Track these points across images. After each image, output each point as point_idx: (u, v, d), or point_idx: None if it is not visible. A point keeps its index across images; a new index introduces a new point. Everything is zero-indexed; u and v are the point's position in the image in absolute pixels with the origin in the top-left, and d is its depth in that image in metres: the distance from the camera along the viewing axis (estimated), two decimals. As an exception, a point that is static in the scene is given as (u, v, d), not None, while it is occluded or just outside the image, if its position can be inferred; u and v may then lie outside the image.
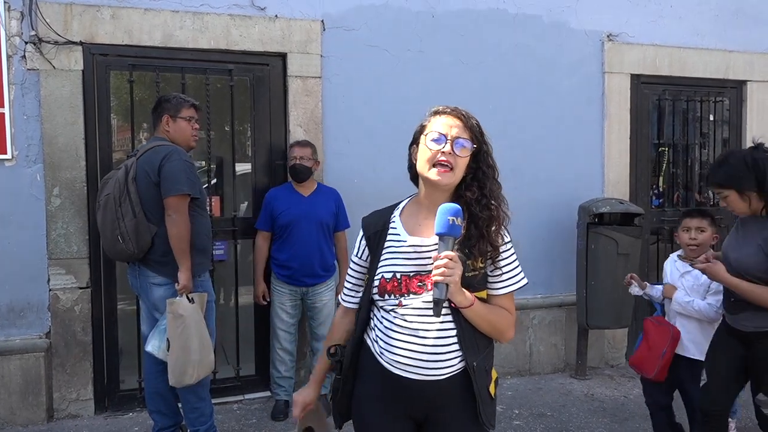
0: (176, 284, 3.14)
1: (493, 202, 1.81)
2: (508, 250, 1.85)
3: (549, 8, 4.73)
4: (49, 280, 3.77)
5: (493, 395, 1.85)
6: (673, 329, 3.19)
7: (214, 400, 3.97)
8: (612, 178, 4.94)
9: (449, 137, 1.77)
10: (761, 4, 5.29)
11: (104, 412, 3.92)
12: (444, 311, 1.73)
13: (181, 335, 3.08)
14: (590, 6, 4.83)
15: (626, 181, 5.01)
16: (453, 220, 1.66)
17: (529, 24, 4.69)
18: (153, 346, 3.19)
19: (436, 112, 1.85)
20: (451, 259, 1.64)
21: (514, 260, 1.86)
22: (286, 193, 3.90)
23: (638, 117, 5.06)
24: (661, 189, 5.32)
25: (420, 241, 1.79)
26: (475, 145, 1.81)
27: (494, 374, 1.88)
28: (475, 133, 1.82)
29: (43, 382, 3.75)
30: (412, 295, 1.76)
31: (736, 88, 5.34)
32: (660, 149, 5.26)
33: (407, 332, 1.75)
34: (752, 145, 2.68)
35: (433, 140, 1.77)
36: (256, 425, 3.86)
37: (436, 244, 1.70)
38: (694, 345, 3.19)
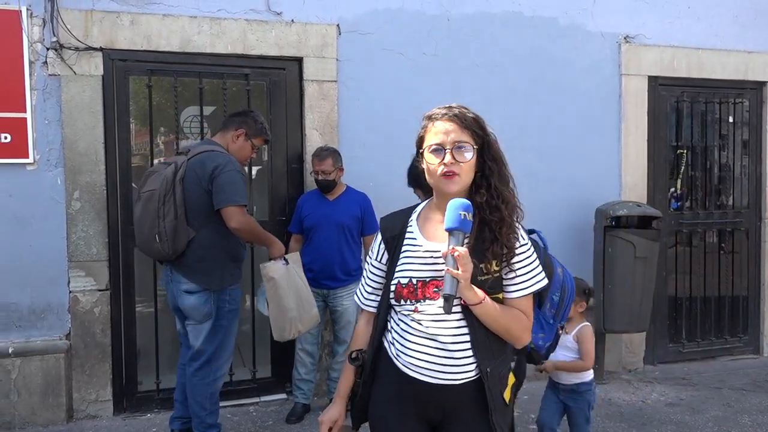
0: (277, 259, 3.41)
1: (501, 203, 1.77)
2: (525, 252, 1.80)
3: (565, 10, 4.71)
4: (69, 282, 3.83)
5: (508, 401, 1.82)
6: None
7: (230, 402, 4.03)
8: (629, 181, 4.90)
9: (447, 146, 1.74)
10: (781, 4, 5.22)
11: (122, 413, 3.97)
12: (458, 316, 1.73)
13: (275, 295, 3.36)
14: (607, 8, 4.80)
15: (644, 183, 4.96)
16: (464, 215, 1.66)
17: (545, 26, 4.67)
18: (260, 306, 3.54)
19: (431, 118, 1.81)
20: (462, 254, 1.64)
21: (531, 262, 1.81)
22: (314, 197, 3.95)
23: (656, 119, 5.02)
24: (679, 192, 5.27)
25: (436, 247, 1.76)
26: (476, 146, 1.77)
27: (511, 379, 1.85)
28: (475, 130, 1.77)
29: (63, 383, 3.81)
30: (428, 301, 1.75)
31: (756, 89, 5.27)
32: (678, 152, 5.20)
33: (423, 336, 1.75)
34: None
35: (432, 152, 1.75)
36: (272, 427, 3.88)
37: (435, 249, 1.71)
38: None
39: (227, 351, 3.38)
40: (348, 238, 3.88)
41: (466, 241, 1.72)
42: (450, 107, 1.80)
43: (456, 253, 1.64)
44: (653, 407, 4.27)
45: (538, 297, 2.12)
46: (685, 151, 5.22)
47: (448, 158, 1.73)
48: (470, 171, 1.77)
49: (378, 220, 3.94)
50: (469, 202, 1.70)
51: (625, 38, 4.86)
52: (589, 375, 3.29)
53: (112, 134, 3.92)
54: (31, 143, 3.75)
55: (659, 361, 5.09)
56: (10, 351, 3.69)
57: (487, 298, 1.72)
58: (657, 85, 4.99)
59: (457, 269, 1.64)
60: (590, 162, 4.80)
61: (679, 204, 5.27)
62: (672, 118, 5.18)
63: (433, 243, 1.79)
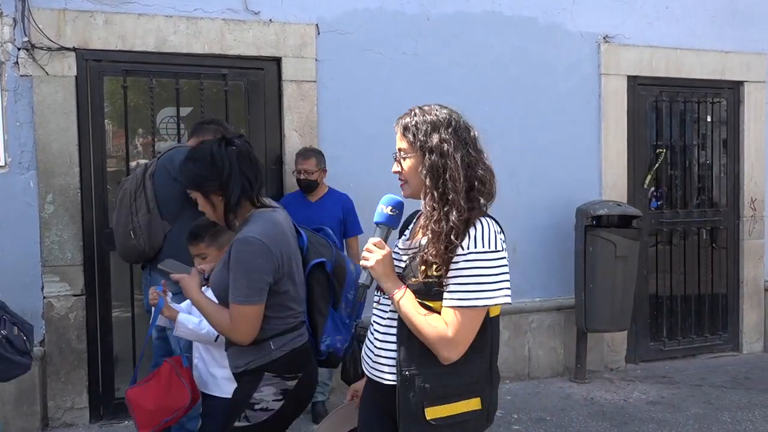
0: None
1: (443, 207, 1.66)
2: (472, 262, 1.63)
3: (545, 10, 4.72)
4: (43, 287, 3.75)
5: (428, 417, 1.64)
6: (194, 392, 2.44)
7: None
8: (609, 180, 4.93)
9: (395, 154, 1.80)
10: (757, 4, 5.29)
11: (99, 421, 3.90)
12: (388, 315, 1.76)
13: None
14: (586, 8, 4.82)
15: (624, 183, 4.99)
16: (386, 209, 1.77)
17: (525, 26, 4.68)
18: None
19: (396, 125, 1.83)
20: (374, 245, 1.73)
21: (475, 275, 1.63)
22: (296, 199, 3.92)
23: (635, 118, 5.05)
24: (655, 190, 5.30)
25: (400, 244, 1.84)
26: (414, 153, 1.72)
27: (456, 407, 1.67)
28: (413, 134, 1.72)
29: (38, 391, 3.73)
30: (380, 295, 1.81)
31: (733, 89, 5.33)
32: (657, 151, 5.24)
33: (371, 330, 1.84)
34: (221, 136, 2.20)
35: (394, 159, 1.82)
36: None
37: (412, 248, 1.75)
38: (213, 379, 2.47)
39: None
40: None
41: (413, 247, 1.74)
42: (408, 112, 1.78)
43: (369, 245, 1.73)
44: (635, 405, 4.29)
45: (333, 297, 2.19)
46: (664, 150, 5.26)
47: (395, 166, 1.80)
48: (415, 177, 1.73)
49: (359, 222, 3.93)
50: (399, 200, 1.78)
51: (604, 38, 4.88)
52: None
53: (87, 136, 3.85)
54: (2, 145, 3.67)
55: (641, 360, 5.13)
56: (-19, 358, 3.60)
57: (406, 295, 1.67)
58: (636, 84, 5.02)
59: (366, 259, 1.73)
60: (571, 161, 4.82)
61: (659, 203, 5.31)
62: (651, 117, 5.22)
63: (399, 241, 1.87)
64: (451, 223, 1.64)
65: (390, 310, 1.75)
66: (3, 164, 3.68)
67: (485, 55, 4.58)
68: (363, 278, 1.75)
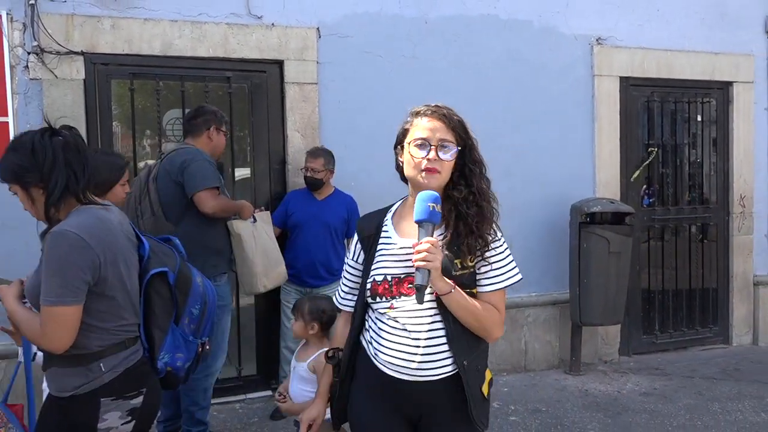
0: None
1: (481, 200, 1.80)
2: (500, 247, 1.82)
3: (539, 13, 4.84)
4: (54, 284, 3.84)
5: (486, 395, 1.82)
6: None
7: (216, 400, 4.06)
8: (603, 179, 5.05)
9: (433, 143, 1.75)
10: (745, 7, 5.41)
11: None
12: (433, 311, 1.75)
13: (241, 252, 3.48)
14: (579, 11, 4.94)
15: (617, 181, 5.11)
16: (432, 206, 1.67)
17: (520, 29, 4.79)
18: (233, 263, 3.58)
19: (418, 114, 1.82)
20: (432, 245, 1.65)
21: (505, 257, 1.82)
22: (302, 195, 4.01)
23: (628, 118, 5.17)
24: (648, 188, 5.41)
25: (410, 243, 1.76)
26: (459, 147, 1.79)
27: (488, 374, 1.86)
28: (459, 132, 1.80)
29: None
30: (402, 297, 1.76)
31: (723, 89, 5.45)
32: (649, 149, 5.36)
33: (399, 334, 1.76)
34: (47, 126, 1.97)
35: (417, 146, 1.77)
36: (258, 424, 3.94)
37: (423, 244, 1.69)
38: None
39: (222, 347, 3.47)
40: (333, 239, 3.94)
41: (439, 234, 1.74)
42: (438, 106, 1.82)
43: (426, 245, 1.65)
44: (628, 397, 4.41)
45: (175, 311, 1.95)
46: (655, 149, 5.38)
47: (432, 154, 1.75)
48: (449, 170, 1.79)
49: None
50: (437, 195, 1.71)
51: (597, 40, 5.00)
52: None
53: (95, 138, 3.94)
54: (14, 147, 3.76)
55: (634, 352, 5.25)
56: (-5, 354, 3.70)
57: (457, 288, 1.73)
58: (628, 85, 5.14)
59: (427, 259, 1.64)
60: (565, 160, 4.93)
61: (651, 200, 5.43)
62: (643, 117, 5.33)
63: (406, 239, 1.80)
64: (489, 212, 1.80)
65: (434, 312, 1.75)
66: (14, 165, 3.77)
67: (482, 57, 4.69)
68: (421, 279, 1.65)
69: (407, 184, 1.90)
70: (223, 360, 3.59)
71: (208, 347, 2.12)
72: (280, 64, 4.25)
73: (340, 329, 2.02)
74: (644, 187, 5.38)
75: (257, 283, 3.55)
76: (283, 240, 3.98)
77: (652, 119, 5.35)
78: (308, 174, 3.91)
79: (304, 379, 2.67)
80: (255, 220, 3.55)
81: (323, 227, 3.91)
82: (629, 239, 4.73)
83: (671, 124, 5.41)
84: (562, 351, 4.99)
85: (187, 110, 4.20)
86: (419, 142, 1.77)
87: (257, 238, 3.52)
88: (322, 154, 3.92)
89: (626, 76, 5.10)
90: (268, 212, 3.78)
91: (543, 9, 4.84)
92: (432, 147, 1.75)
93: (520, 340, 4.89)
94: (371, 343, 1.84)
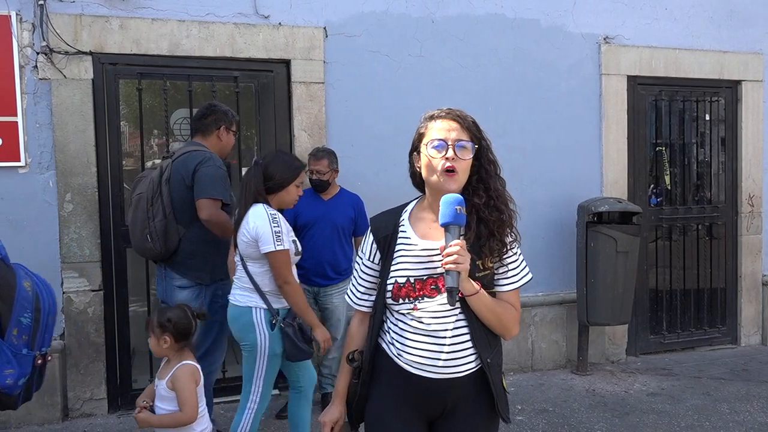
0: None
1: (501, 204, 1.83)
2: (516, 248, 1.88)
3: (546, 12, 4.83)
4: (62, 283, 3.88)
5: (506, 389, 1.91)
6: None
7: (223, 399, 4.09)
8: (610, 178, 5.03)
9: (450, 142, 1.77)
10: (754, 5, 5.38)
11: (117, 411, 4.03)
12: (457, 311, 1.78)
13: None
14: (586, 9, 4.93)
15: (624, 180, 5.09)
16: (459, 209, 1.69)
17: (527, 28, 4.78)
18: None
19: (432, 117, 1.85)
20: (461, 247, 1.67)
21: (519, 257, 1.89)
22: (308, 196, 3.94)
23: (635, 117, 5.15)
24: (661, 188, 5.40)
25: (432, 245, 1.79)
26: (476, 145, 1.82)
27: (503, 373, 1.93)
28: (474, 132, 1.83)
29: (58, 383, 3.86)
30: (426, 299, 1.79)
31: (731, 88, 5.42)
32: (657, 149, 5.34)
33: (424, 334, 1.79)
34: None
35: (434, 147, 1.78)
36: (264, 422, 3.93)
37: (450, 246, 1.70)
38: None
39: (222, 344, 3.49)
40: (341, 238, 3.94)
41: (461, 235, 1.74)
42: (451, 109, 1.84)
43: (454, 248, 1.66)
44: (636, 397, 4.39)
45: None
46: (664, 148, 5.36)
47: (450, 153, 1.76)
48: (467, 171, 1.81)
49: (368, 222, 4.00)
50: (461, 197, 1.72)
51: (604, 39, 4.99)
52: (199, 428, 2.58)
53: (103, 137, 3.97)
54: (23, 146, 3.80)
55: (641, 352, 5.24)
56: (4, 352, 3.73)
57: (482, 289, 1.78)
58: (636, 84, 5.12)
59: (457, 262, 1.66)
60: (572, 160, 4.92)
61: (659, 200, 5.41)
62: (651, 116, 5.31)
63: (428, 242, 1.81)
64: (508, 216, 1.84)
65: (458, 311, 1.78)
66: (23, 164, 3.81)
67: (488, 56, 4.69)
68: (452, 282, 1.67)
69: (419, 190, 1.92)
70: (223, 358, 3.60)
71: (50, 359, 1.91)
72: (287, 63, 4.27)
73: (355, 328, 2.02)
74: (651, 186, 5.36)
75: None
76: None
77: (660, 118, 5.32)
78: (314, 177, 3.88)
79: (163, 398, 2.54)
80: None
81: (331, 227, 3.90)
82: (637, 239, 4.71)
83: (679, 123, 5.38)
84: (569, 351, 4.98)
85: (194, 110, 4.24)
86: (436, 142, 1.79)
87: None
88: (326, 155, 3.90)
89: (634, 75, 5.08)
90: None
91: (550, 8, 4.83)
92: (449, 146, 1.77)
93: (527, 339, 4.88)
94: (393, 344, 1.85)
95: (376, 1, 4.42)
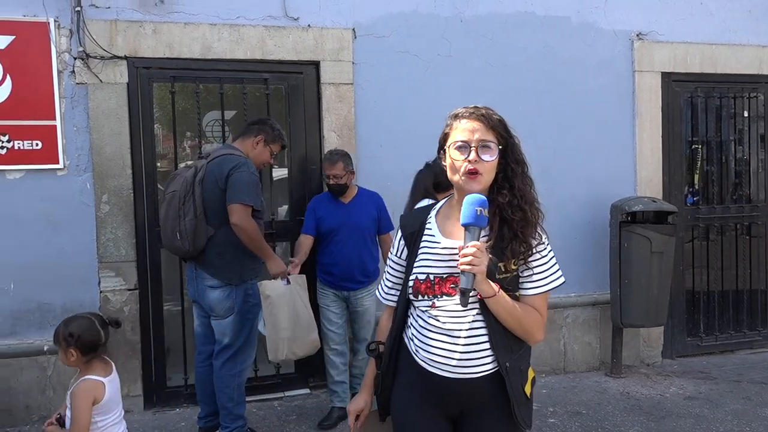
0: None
1: (525, 204, 1.79)
2: (543, 250, 1.82)
3: (577, 9, 4.77)
4: (99, 282, 3.97)
5: (528, 395, 1.84)
6: None
7: (255, 397, 4.14)
8: (644, 177, 4.94)
9: (472, 144, 1.76)
10: (795, -3, 5.23)
11: (153, 408, 4.10)
12: (475, 311, 1.76)
13: (269, 314, 3.39)
14: (619, 6, 4.85)
15: (659, 179, 4.99)
16: (480, 210, 1.67)
17: (558, 25, 4.73)
18: (260, 325, 3.50)
19: (457, 116, 1.83)
20: (478, 248, 1.65)
21: (548, 260, 1.83)
22: (328, 200, 3.91)
23: (670, 115, 5.04)
24: (696, 187, 5.29)
25: (454, 244, 1.78)
26: (500, 146, 1.79)
27: (531, 373, 1.88)
28: (500, 131, 1.80)
29: (95, 380, 3.94)
30: (444, 297, 1.78)
31: (771, 84, 5.27)
32: (693, 147, 5.22)
33: (440, 332, 1.78)
34: None
35: (457, 149, 1.77)
36: (296, 421, 3.98)
37: (469, 247, 1.69)
38: None
39: (253, 343, 3.53)
40: (366, 239, 3.89)
41: (483, 236, 1.75)
42: (476, 107, 1.82)
43: (472, 249, 1.65)
44: (672, 401, 4.30)
45: None
46: (700, 146, 5.24)
47: (473, 155, 1.75)
48: (492, 171, 1.79)
49: (393, 217, 3.99)
50: (484, 198, 1.71)
51: (637, 35, 4.90)
52: None
53: (138, 139, 4.05)
54: (61, 149, 3.90)
55: (677, 355, 5.12)
56: (45, 349, 3.84)
57: (501, 291, 1.74)
58: (670, 81, 5.02)
59: (473, 263, 1.65)
60: (605, 159, 4.85)
61: (695, 199, 5.29)
62: (686, 113, 5.19)
63: (451, 240, 1.81)
64: (532, 216, 1.79)
65: (476, 312, 1.76)
66: (62, 167, 3.91)
67: (518, 54, 4.65)
68: (466, 283, 1.66)
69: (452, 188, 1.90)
70: (254, 356, 3.64)
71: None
72: (316, 65, 4.30)
73: (384, 323, 2.05)
74: (687, 185, 5.24)
75: (283, 349, 3.44)
76: (314, 246, 3.93)
77: (696, 115, 5.20)
78: (331, 181, 3.81)
79: (70, 408, 2.46)
80: (288, 282, 3.47)
81: (356, 230, 3.84)
82: (672, 239, 4.61)
83: (716, 120, 5.25)
84: (603, 353, 4.89)
85: (225, 112, 4.31)
86: (459, 144, 1.77)
87: (288, 301, 3.43)
88: (340, 158, 3.81)
89: (668, 72, 4.98)
90: (304, 276, 3.65)
91: (581, 5, 4.77)
92: (472, 148, 1.75)
93: (559, 341, 4.82)
94: (413, 340, 1.86)
95: (404, 1, 4.42)
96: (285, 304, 3.42)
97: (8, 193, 3.83)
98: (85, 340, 2.44)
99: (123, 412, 2.61)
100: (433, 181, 3.00)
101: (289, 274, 3.52)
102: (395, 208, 4.01)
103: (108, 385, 2.49)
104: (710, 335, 5.23)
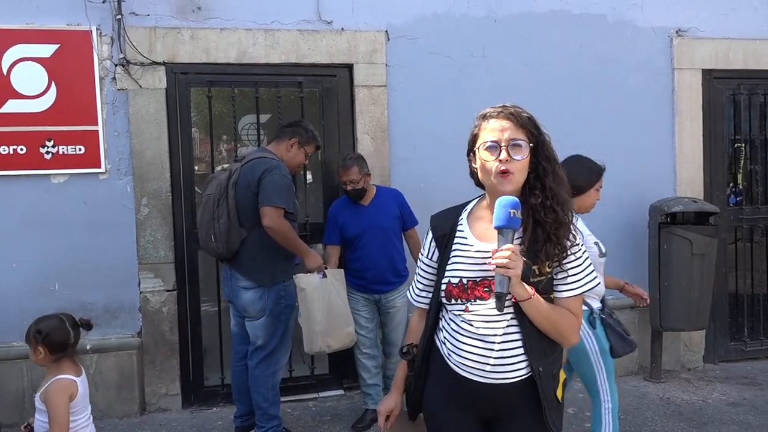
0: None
1: (557, 205, 1.76)
2: (577, 252, 1.79)
3: (614, 7, 4.69)
4: (139, 283, 4.07)
5: (560, 399, 1.83)
6: None
7: (290, 398, 4.18)
8: (684, 177, 4.82)
9: (502, 143, 1.73)
10: (844, -11, 5.03)
11: (190, 407, 4.18)
12: (509, 316, 1.74)
13: (304, 307, 3.45)
14: (657, 2, 4.75)
15: (700, 179, 4.86)
16: (513, 213, 1.65)
17: (594, 23, 4.65)
18: (298, 317, 3.55)
19: (485, 117, 1.81)
20: (512, 252, 1.63)
21: (583, 262, 1.80)
22: (347, 206, 3.86)
23: (711, 113, 4.91)
24: (740, 187, 5.13)
25: (487, 247, 1.75)
26: (531, 144, 1.76)
27: (562, 376, 1.86)
28: (530, 129, 1.77)
29: (136, 378, 4.05)
30: (478, 301, 1.76)
31: (819, 79, 5.08)
32: (736, 145, 5.07)
33: (474, 337, 1.76)
34: None
35: (487, 149, 1.75)
36: (330, 422, 4.01)
37: (503, 249, 1.67)
38: None
39: (287, 344, 3.57)
40: (393, 239, 3.85)
41: (517, 238, 1.72)
42: (504, 106, 1.79)
43: (507, 252, 1.63)
44: (714, 407, 4.18)
45: None
46: (743, 144, 5.08)
47: (503, 155, 1.72)
48: (524, 170, 1.76)
49: (424, 220, 3.93)
50: (517, 200, 1.68)
51: (677, 32, 4.79)
52: None
53: (176, 143, 4.14)
54: (103, 154, 4.01)
55: (720, 360, 4.98)
56: (88, 347, 3.96)
57: (536, 294, 1.72)
58: (712, 78, 4.89)
59: (508, 267, 1.63)
60: (643, 158, 4.75)
61: (738, 199, 5.13)
62: (729, 111, 5.05)
63: (484, 243, 1.78)
64: (566, 218, 1.76)
65: (510, 316, 1.74)
66: (104, 171, 4.02)
67: (553, 54, 4.59)
68: (501, 287, 1.64)
69: (481, 188, 1.88)
70: (288, 356, 3.68)
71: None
72: (349, 67, 4.32)
73: (415, 324, 2.04)
74: (731, 185, 5.09)
75: (317, 342, 3.48)
76: (342, 252, 3.92)
77: (739, 113, 5.05)
78: (348, 188, 3.75)
79: (39, 411, 2.48)
80: (324, 276, 3.50)
81: (380, 232, 3.80)
82: (714, 240, 4.49)
83: (760, 118, 5.09)
84: (642, 357, 4.79)
85: (261, 115, 4.37)
86: (489, 144, 1.75)
87: (323, 294, 3.46)
88: (354, 162, 3.75)
89: (709, 69, 4.85)
90: (342, 270, 3.69)
91: (618, 2, 4.69)
92: (502, 148, 1.73)
93: (596, 344, 4.73)
94: (445, 344, 1.85)
95: (437, 2, 4.41)
96: (319, 298, 3.46)
97: (53, 197, 3.96)
98: (53, 338, 2.48)
99: (91, 417, 2.61)
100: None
101: (325, 268, 3.56)
102: (428, 210, 3.98)
103: (80, 384, 2.51)
104: (755, 339, 5.06)
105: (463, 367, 1.78)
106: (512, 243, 1.67)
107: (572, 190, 2.83)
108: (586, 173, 3.01)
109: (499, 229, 1.67)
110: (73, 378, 2.50)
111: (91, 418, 2.60)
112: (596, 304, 2.94)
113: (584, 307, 2.85)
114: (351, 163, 3.75)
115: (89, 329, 2.64)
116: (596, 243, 2.91)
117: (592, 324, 2.88)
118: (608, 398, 2.95)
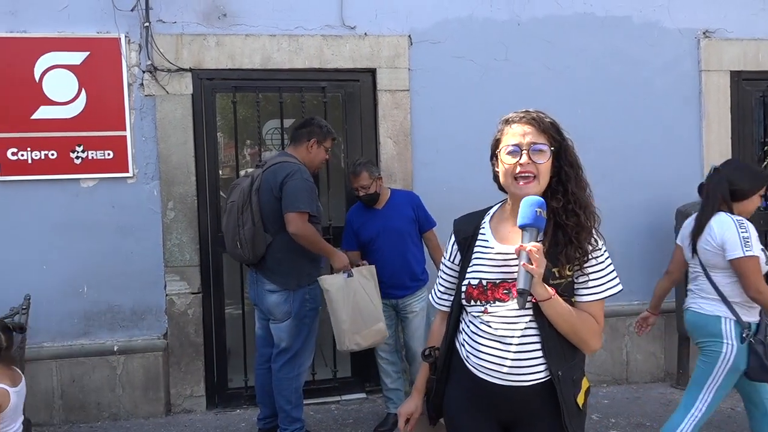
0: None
1: (579, 209, 1.76)
2: (600, 256, 1.78)
3: (639, 9, 4.64)
4: (165, 286, 4.14)
5: (581, 406, 1.80)
6: None
7: (313, 401, 4.20)
8: (712, 180, 4.74)
9: (524, 147, 1.74)
10: None
11: (215, 408, 4.23)
12: (528, 318, 1.74)
13: (330, 307, 3.48)
14: (684, 3, 4.68)
15: (728, 182, 4.78)
16: (539, 212, 1.66)
17: (619, 26, 4.61)
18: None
19: (508, 122, 1.82)
20: (537, 249, 1.64)
21: (605, 267, 1.79)
22: (362, 210, 3.86)
23: (740, 115, 4.83)
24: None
25: (508, 249, 1.77)
26: (553, 148, 1.77)
27: (585, 384, 1.83)
28: (552, 134, 1.78)
29: (162, 379, 4.11)
30: (497, 303, 1.77)
31: None
32: (765, 148, 4.98)
33: (492, 338, 1.77)
34: None
35: (509, 153, 1.76)
36: (353, 425, 4.02)
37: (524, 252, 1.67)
38: None
39: (310, 347, 3.60)
40: (409, 242, 3.81)
41: (540, 238, 1.72)
42: (527, 111, 1.81)
43: (530, 248, 1.63)
44: (743, 415, 4.05)
45: None
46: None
47: (524, 159, 1.73)
48: (546, 174, 1.77)
49: (429, 216, 3.91)
50: (542, 200, 1.69)
51: (704, 33, 4.72)
52: None
53: (202, 148, 4.20)
54: (131, 158, 4.09)
55: (749, 368, 4.87)
56: (115, 349, 4.04)
57: (557, 295, 1.71)
58: (740, 80, 4.80)
59: (532, 262, 1.63)
60: (670, 161, 4.68)
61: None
62: (758, 113, 4.96)
63: (505, 246, 1.80)
64: (588, 223, 1.76)
65: (529, 318, 1.74)
66: (131, 175, 4.10)
67: (577, 57, 4.56)
68: (524, 284, 1.63)
69: (504, 192, 1.88)
70: (311, 359, 3.70)
71: None
72: (372, 72, 4.34)
73: (437, 327, 2.06)
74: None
75: (345, 340, 3.49)
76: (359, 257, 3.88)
77: (769, 115, 4.96)
78: (361, 193, 3.75)
79: None
80: (350, 275, 3.51)
81: (394, 235, 3.77)
82: (743, 245, 4.39)
83: (791, 121, 4.99)
84: (668, 363, 4.72)
85: (285, 120, 4.42)
86: (510, 148, 1.76)
87: (347, 294, 3.46)
88: (363, 168, 3.73)
89: (738, 70, 4.77)
90: (373, 267, 3.64)
91: (643, 4, 4.63)
92: (524, 151, 1.74)
93: (622, 350, 4.68)
94: (464, 346, 1.86)
95: (460, 6, 4.41)
96: (343, 298, 3.47)
97: (83, 201, 4.05)
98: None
99: (22, 428, 2.49)
100: (729, 189, 2.87)
101: (352, 266, 3.57)
102: (451, 214, 3.96)
103: (13, 395, 2.37)
104: (786, 347, 4.94)
105: (481, 369, 1.79)
106: (537, 242, 1.68)
107: (733, 195, 2.83)
108: (751, 179, 2.93)
109: (524, 228, 1.68)
110: (6, 387, 2.37)
111: (22, 428, 2.46)
112: (752, 318, 2.82)
113: (733, 317, 2.78)
114: (360, 169, 3.74)
115: (22, 332, 2.62)
116: (762, 250, 2.81)
117: (741, 339, 2.78)
118: (704, 407, 2.88)
